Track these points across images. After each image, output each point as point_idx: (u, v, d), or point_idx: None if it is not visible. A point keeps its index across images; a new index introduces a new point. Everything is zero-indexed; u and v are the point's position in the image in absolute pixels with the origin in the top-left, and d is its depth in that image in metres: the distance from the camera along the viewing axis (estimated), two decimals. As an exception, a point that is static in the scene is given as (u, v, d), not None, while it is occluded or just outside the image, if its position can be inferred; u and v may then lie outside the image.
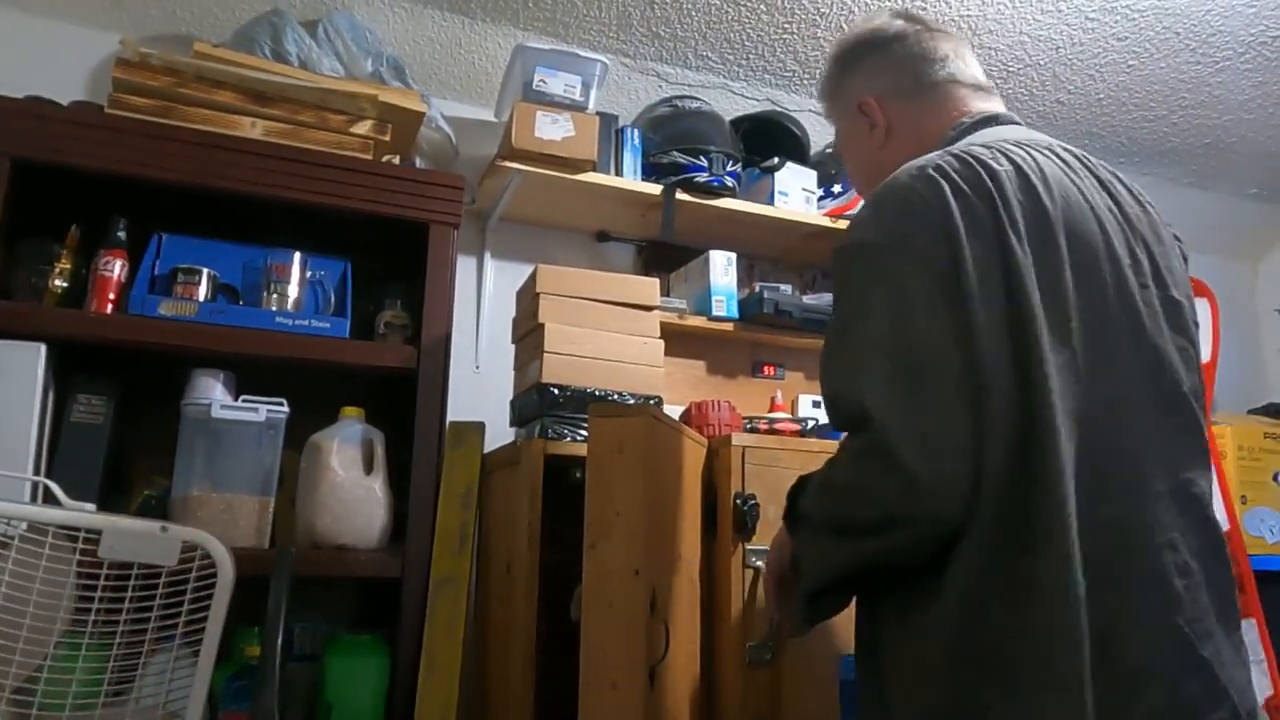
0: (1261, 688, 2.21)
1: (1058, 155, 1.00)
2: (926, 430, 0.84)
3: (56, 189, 1.64)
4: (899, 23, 1.17)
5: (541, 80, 2.00)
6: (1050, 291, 0.89)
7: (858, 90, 1.17)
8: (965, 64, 1.15)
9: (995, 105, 1.13)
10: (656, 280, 1.74)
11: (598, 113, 2.08)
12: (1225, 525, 2.30)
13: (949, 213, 0.89)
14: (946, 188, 0.91)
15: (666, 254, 2.32)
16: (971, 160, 0.93)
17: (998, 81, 2.45)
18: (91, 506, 1.21)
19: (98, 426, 1.61)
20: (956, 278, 0.87)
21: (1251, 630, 2.24)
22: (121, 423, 1.68)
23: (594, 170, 2.04)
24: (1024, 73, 2.42)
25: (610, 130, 2.15)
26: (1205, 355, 2.47)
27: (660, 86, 2.42)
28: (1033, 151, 0.98)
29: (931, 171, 0.93)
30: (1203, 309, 2.66)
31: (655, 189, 2.11)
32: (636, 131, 2.18)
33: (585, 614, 1.18)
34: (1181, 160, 2.85)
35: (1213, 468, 1.01)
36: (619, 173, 2.13)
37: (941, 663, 0.85)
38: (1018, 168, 0.94)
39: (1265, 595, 2.25)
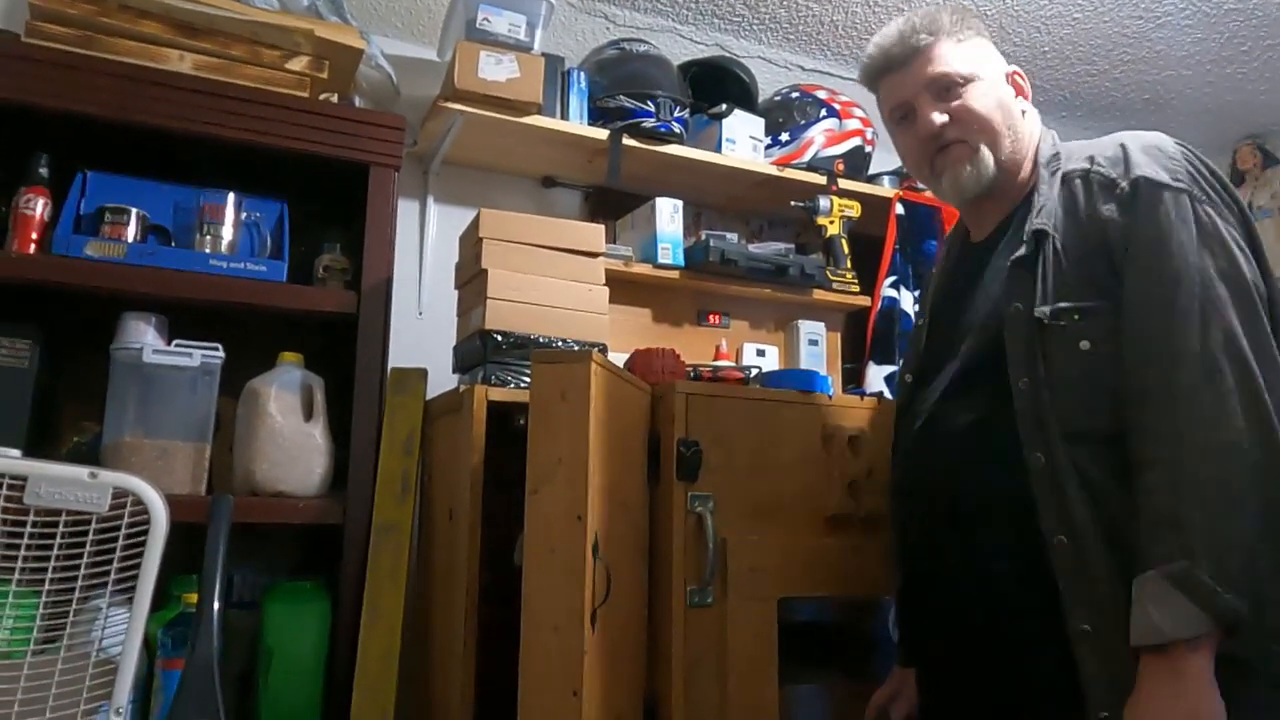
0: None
1: None
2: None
3: (-29, 122, 1.56)
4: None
5: (485, 19, 1.95)
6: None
7: (1002, 62, 1.30)
8: None
9: None
10: (602, 227, 1.72)
11: (543, 54, 2.04)
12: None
13: (1216, 172, 1.15)
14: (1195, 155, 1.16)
15: (613, 200, 2.30)
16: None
17: (945, 32, 2.45)
18: (16, 452, 1.17)
19: (22, 370, 1.55)
20: (1251, 232, 1.12)
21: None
22: (50, 368, 1.63)
23: (539, 113, 2.00)
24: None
25: (556, 72, 2.11)
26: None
27: (608, 29, 2.37)
28: None
29: (1178, 143, 1.17)
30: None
31: (601, 134, 2.08)
32: (583, 74, 2.14)
33: (527, 560, 1.18)
34: (1121, 115, 2.90)
35: None
36: (565, 116, 2.10)
37: None
38: None
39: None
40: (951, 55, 1.25)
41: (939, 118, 1.24)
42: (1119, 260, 1.09)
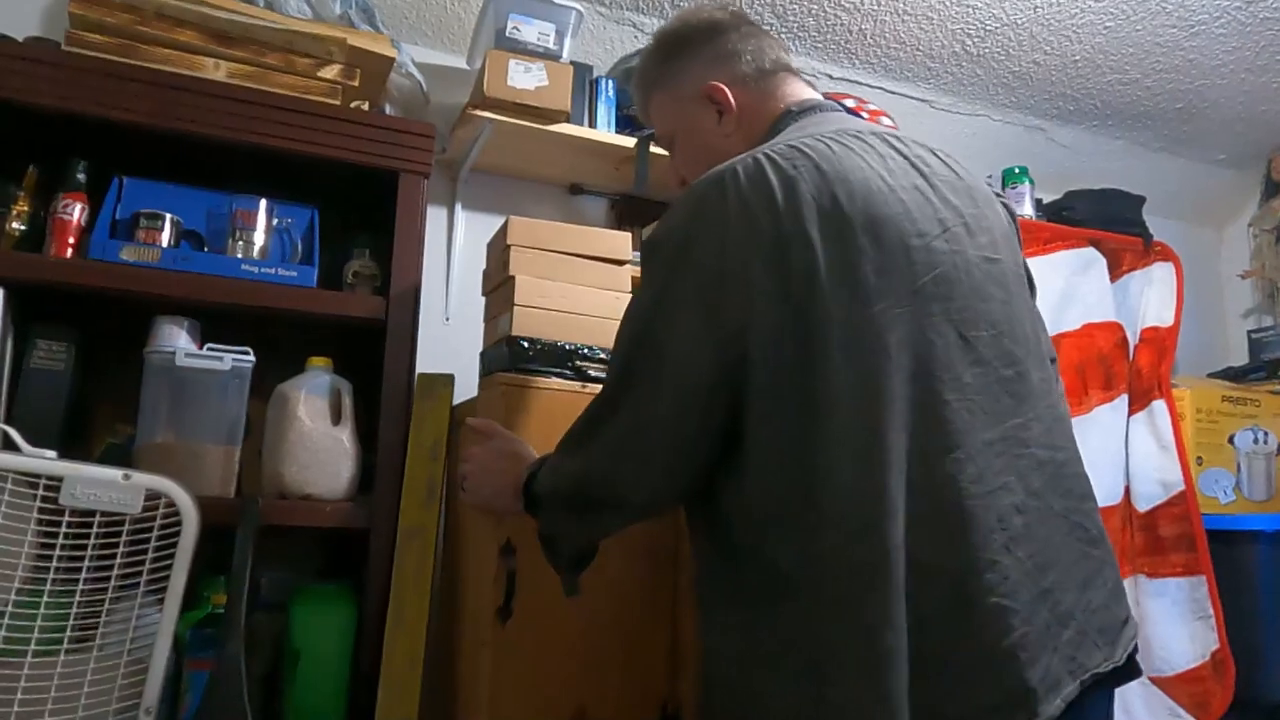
0: (1209, 641, 2.29)
1: (865, 142, 1.03)
2: (651, 429, 0.97)
3: (12, 129, 1.58)
4: (723, 14, 1.22)
5: (515, 27, 1.96)
6: (847, 285, 0.92)
7: (701, 76, 1.19)
8: (787, 54, 1.21)
9: (816, 94, 1.19)
10: (629, 234, 1.72)
11: (572, 62, 2.05)
12: (1181, 486, 2.36)
13: (727, 222, 0.94)
14: (732, 196, 0.95)
15: (640, 208, 2.30)
16: (767, 165, 0.97)
17: (974, 40, 2.44)
18: (52, 453, 1.19)
19: (59, 373, 1.58)
20: (720, 286, 0.93)
21: (1201, 587, 2.31)
22: (84, 371, 1.65)
23: (567, 121, 2.02)
24: (1001, 31, 2.41)
25: (584, 81, 2.12)
26: (1169, 319, 2.52)
27: (636, 37, 2.38)
28: (837, 143, 1.01)
29: (727, 177, 0.97)
30: (1167, 273, 2.72)
31: (629, 142, 2.09)
32: (611, 83, 2.15)
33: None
34: (1153, 125, 2.87)
35: (1059, 408, 1.06)
36: (593, 124, 2.11)
37: None
38: (816, 165, 0.97)
39: (1217, 553, 2.32)
40: (657, 118, 1.34)
41: (674, 177, 1.34)
42: None
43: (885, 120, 2.37)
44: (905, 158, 1.04)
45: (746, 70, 1.18)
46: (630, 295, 1.64)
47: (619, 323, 1.06)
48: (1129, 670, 1.00)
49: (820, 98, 1.18)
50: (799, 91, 1.18)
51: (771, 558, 0.92)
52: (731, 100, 1.17)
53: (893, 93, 2.63)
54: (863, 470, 0.88)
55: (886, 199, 0.97)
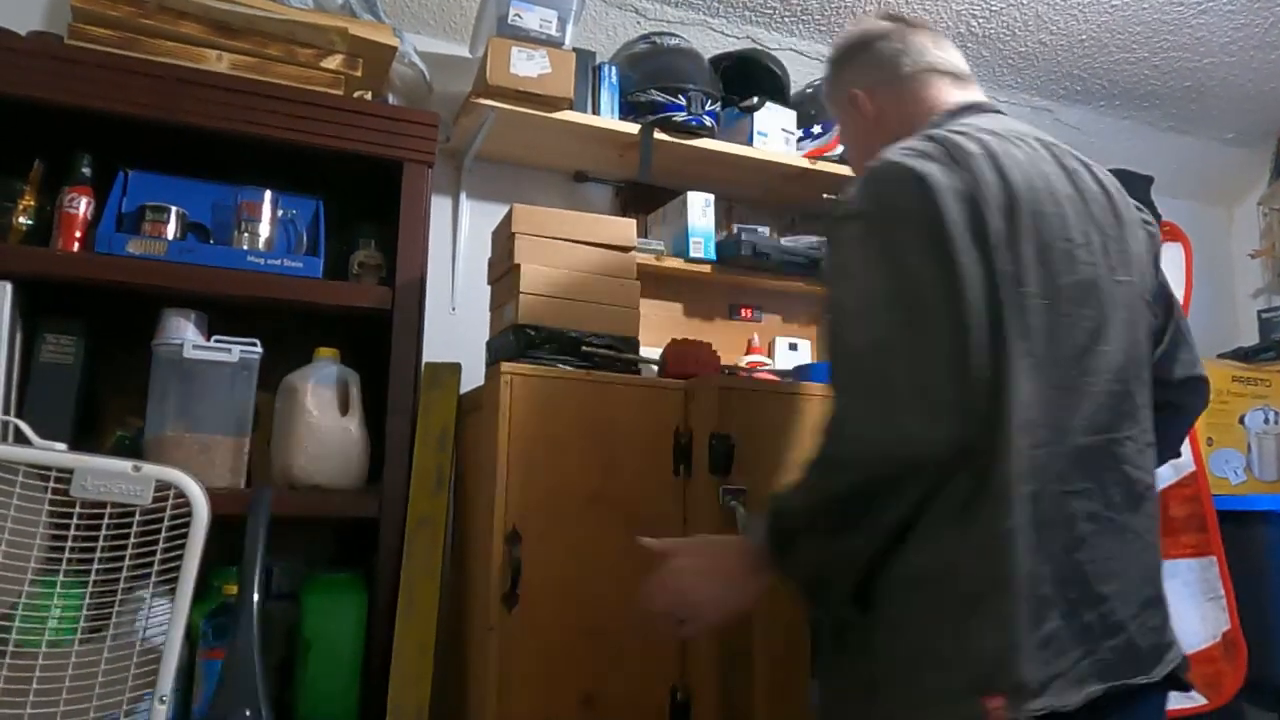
0: (1220, 622, 2.28)
1: (1026, 143, 1.09)
2: (925, 382, 0.93)
3: (17, 123, 1.59)
4: (883, 23, 1.30)
5: (517, 14, 1.96)
6: (1014, 261, 0.98)
7: (848, 84, 1.30)
8: (944, 54, 1.27)
9: (975, 94, 1.23)
10: (634, 221, 1.72)
11: (574, 49, 2.04)
12: (1191, 466, 2.35)
13: (928, 183, 0.98)
14: (925, 164, 1.00)
15: (644, 195, 2.30)
16: (945, 142, 1.03)
17: (981, 21, 2.43)
18: (62, 446, 1.20)
19: (68, 366, 1.59)
20: (943, 238, 0.95)
21: (1212, 567, 2.30)
22: (92, 363, 1.66)
23: (571, 108, 2.01)
24: (1007, 11, 2.39)
25: (587, 67, 2.11)
26: (1178, 299, 2.50)
27: (639, 23, 2.37)
28: (1003, 138, 1.07)
29: (911, 150, 1.03)
30: (1176, 253, 2.70)
31: (633, 128, 2.08)
32: (614, 69, 2.15)
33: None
34: (1161, 104, 2.85)
35: (1151, 436, 1.10)
36: (596, 111, 2.10)
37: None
38: (988, 150, 1.03)
39: (1228, 534, 2.31)
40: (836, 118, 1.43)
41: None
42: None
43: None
44: (1062, 167, 1.10)
45: (888, 76, 1.26)
46: (634, 282, 1.65)
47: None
48: (1165, 685, 1.05)
49: (979, 98, 1.23)
50: (949, 94, 1.23)
51: None
52: (868, 105, 1.27)
53: (898, 75, 2.61)
54: None
55: (1045, 198, 1.03)
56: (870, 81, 1.27)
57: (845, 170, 2.28)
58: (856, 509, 0.97)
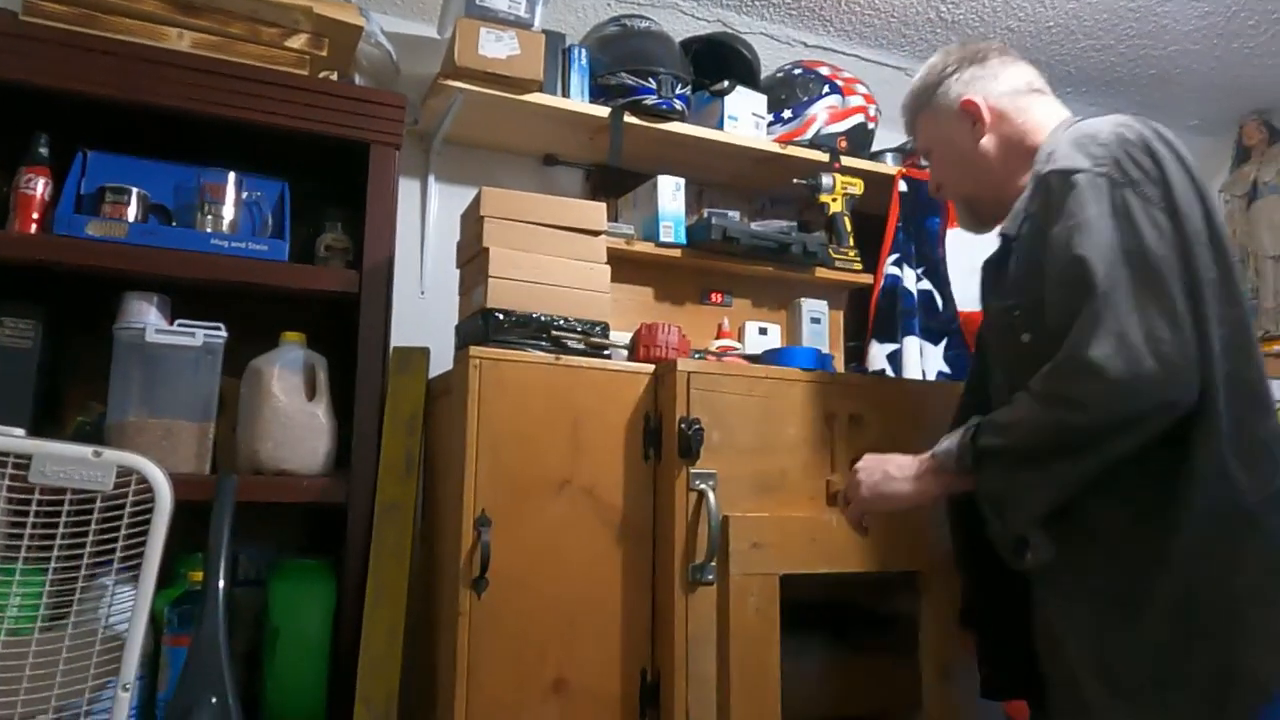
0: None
1: None
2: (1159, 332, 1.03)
3: (-30, 102, 1.55)
4: (988, 44, 1.41)
5: (486, -5, 1.93)
6: (1223, 255, 1.13)
7: (959, 94, 1.35)
8: (1043, 82, 1.39)
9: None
10: (603, 205, 1.71)
11: (544, 31, 2.02)
12: None
13: (1155, 149, 1.13)
14: (1147, 132, 1.15)
15: (615, 178, 2.29)
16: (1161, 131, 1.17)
17: (950, 6, 2.44)
18: (20, 431, 1.18)
19: (26, 351, 1.56)
20: (1172, 201, 1.10)
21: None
22: (52, 347, 1.63)
23: (540, 91, 1.99)
24: (976, -2, 2.40)
25: (557, 49, 2.09)
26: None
27: (609, 5, 2.35)
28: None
29: (1129, 123, 1.17)
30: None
31: (603, 111, 2.07)
32: (584, 51, 2.13)
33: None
34: (1126, 91, 2.88)
35: None
36: (566, 94, 2.09)
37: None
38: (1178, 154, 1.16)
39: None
40: (920, 134, 1.44)
41: (931, 184, 1.46)
42: (1042, 254, 1.15)
43: (861, 89, 2.36)
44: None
45: (1002, 89, 1.34)
46: (604, 266, 1.64)
47: None
48: None
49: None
50: (1061, 110, 1.34)
51: None
52: (985, 113, 1.33)
53: (868, 60, 2.62)
54: None
55: (1219, 212, 1.17)
56: (983, 93, 1.36)
57: (814, 155, 2.28)
58: (1080, 443, 1.06)
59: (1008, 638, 1.29)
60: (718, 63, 2.29)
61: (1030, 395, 1.11)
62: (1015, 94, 1.34)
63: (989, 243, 1.33)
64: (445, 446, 1.57)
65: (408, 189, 2.14)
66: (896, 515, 1.36)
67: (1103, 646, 1.09)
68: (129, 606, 1.19)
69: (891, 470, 1.27)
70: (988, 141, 1.33)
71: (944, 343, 2.35)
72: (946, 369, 2.33)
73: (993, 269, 1.32)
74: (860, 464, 1.32)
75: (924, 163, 1.49)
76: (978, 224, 1.40)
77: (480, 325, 1.54)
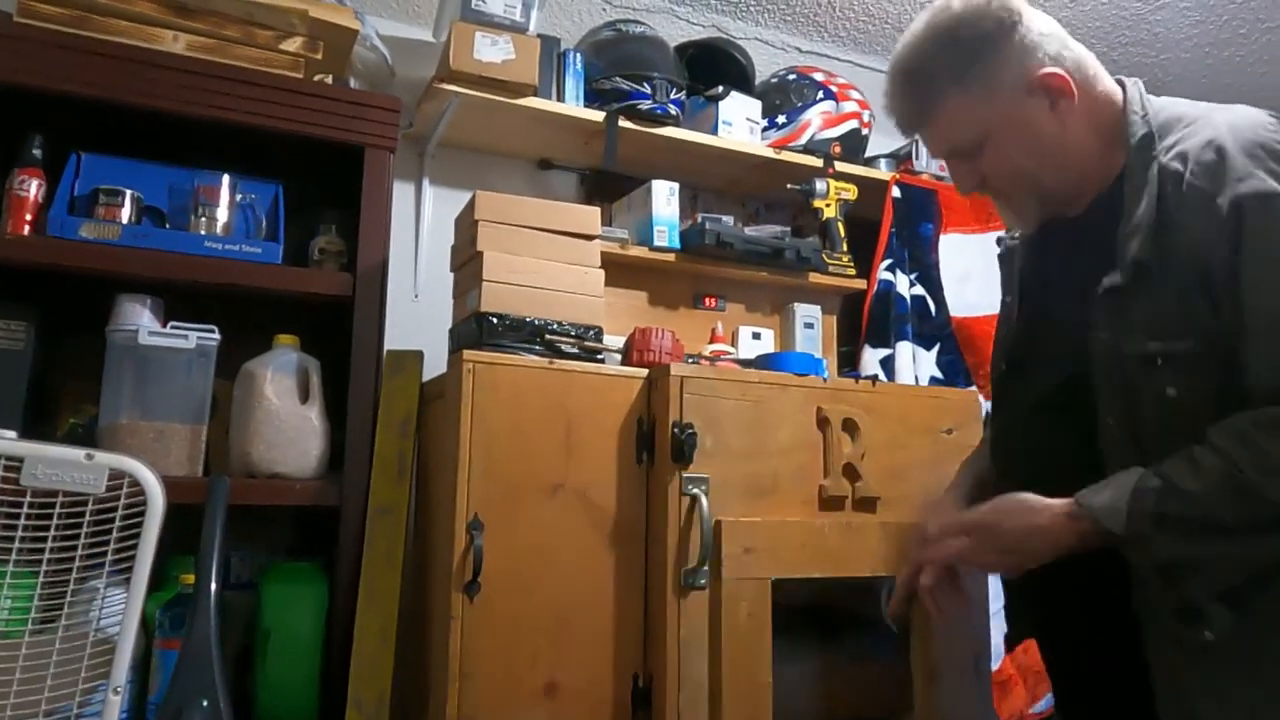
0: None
1: None
2: None
3: (-36, 103, 1.55)
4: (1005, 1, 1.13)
5: (480, -1, 1.94)
6: None
7: (1022, 67, 1.11)
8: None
9: None
10: (598, 209, 1.72)
11: (539, 35, 2.03)
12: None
13: None
14: None
15: (609, 183, 2.29)
16: None
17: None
18: (12, 433, 1.17)
19: (18, 353, 1.56)
20: None
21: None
22: (45, 350, 1.63)
23: (535, 95, 2.00)
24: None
25: (552, 54, 2.10)
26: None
27: (604, 9, 2.36)
28: None
29: None
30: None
31: (598, 116, 2.07)
32: (579, 56, 2.13)
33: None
34: (1119, 98, 2.89)
35: None
36: (561, 98, 2.09)
37: None
38: None
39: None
40: (954, 122, 1.14)
41: (970, 181, 1.19)
42: (1220, 295, 0.99)
43: (855, 94, 2.37)
44: None
45: (1063, 52, 1.12)
46: (598, 270, 1.65)
47: None
48: None
49: None
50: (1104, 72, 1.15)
51: None
52: (1071, 85, 1.10)
53: (862, 66, 2.63)
54: None
55: None
56: (1052, 61, 1.14)
57: (808, 161, 2.29)
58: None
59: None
60: (712, 68, 2.30)
61: (1226, 460, 0.95)
62: (1068, 48, 1.12)
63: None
64: (438, 450, 1.57)
65: (402, 192, 2.14)
66: (890, 518, 1.33)
67: None
68: (120, 609, 1.18)
69: (1040, 522, 1.06)
70: (1078, 122, 1.11)
71: (937, 348, 2.36)
72: (939, 374, 2.34)
73: (1113, 298, 1.07)
74: (988, 515, 1.12)
75: (935, 162, 1.26)
76: (1041, 217, 1.20)
77: (474, 329, 1.54)
